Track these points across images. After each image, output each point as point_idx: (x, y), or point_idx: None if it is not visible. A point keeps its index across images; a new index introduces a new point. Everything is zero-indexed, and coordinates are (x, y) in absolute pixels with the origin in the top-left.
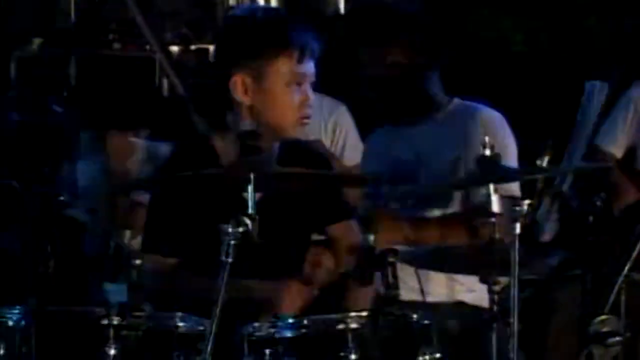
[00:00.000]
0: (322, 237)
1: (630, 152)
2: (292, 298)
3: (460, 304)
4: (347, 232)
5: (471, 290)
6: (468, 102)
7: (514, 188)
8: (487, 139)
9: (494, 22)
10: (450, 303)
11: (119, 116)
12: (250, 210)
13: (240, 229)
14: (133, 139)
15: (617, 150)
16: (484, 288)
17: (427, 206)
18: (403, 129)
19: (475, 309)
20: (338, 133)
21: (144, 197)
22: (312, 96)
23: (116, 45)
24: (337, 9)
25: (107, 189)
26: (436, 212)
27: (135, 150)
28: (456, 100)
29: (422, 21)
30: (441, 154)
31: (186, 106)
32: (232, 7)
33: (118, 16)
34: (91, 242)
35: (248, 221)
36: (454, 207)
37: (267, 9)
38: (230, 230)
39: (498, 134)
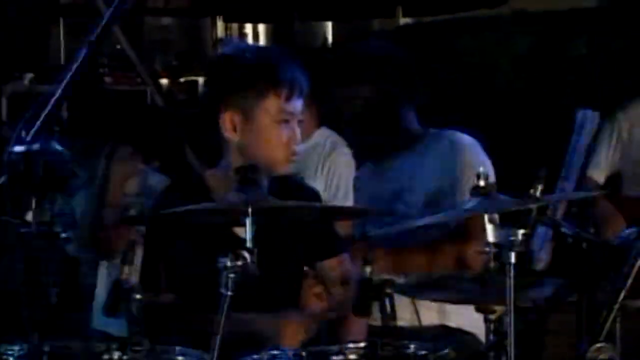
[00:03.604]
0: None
1: (614, 178)
2: (292, 331)
3: (446, 328)
4: (339, 266)
5: (464, 317)
6: (443, 131)
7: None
8: (481, 169)
9: (479, 48)
10: (438, 327)
11: (117, 140)
12: (248, 244)
13: (239, 262)
14: (139, 164)
15: (599, 175)
16: (477, 317)
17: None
18: (381, 165)
19: (468, 335)
20: (332, 174)
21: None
22: (299, 134)
23: (107, 79)
24: (325, 40)
25: (99, 220)
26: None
27: (138, 173)
28: (432, 131)
29: (394, 58)
30: (421, 186)
31: (178, 139)
32: (220, 39)
33: (108, 49)
34: (86, 277)
35: (247, 254)
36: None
37: (257, 47)
38: (229, 263)
39: (479, 160)
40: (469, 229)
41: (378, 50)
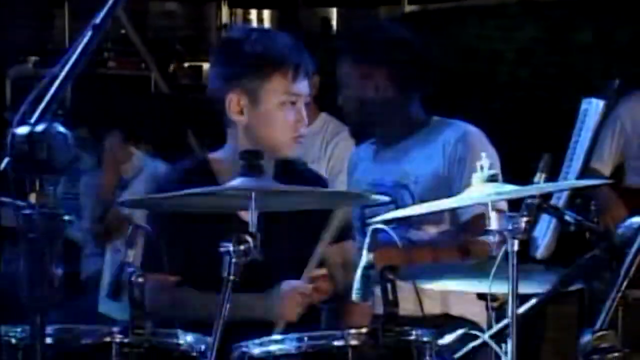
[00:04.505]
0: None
1: (618, 169)
2: (290, 304)
3: (448, 317)
4: (343, 253)
5: (466, 306)
6: (448, 120)
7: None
8: (483, 155)
9: (484, 36)
10: (440, 315)
11: (122, 125)
12: (251, 228)
13: (242, 247)
14: (131, 148)
15: (604, 167)
16: (479, 303)
17: (417, 225)
18: (384, 150)
19: (471, 324)
20: (334, 160)
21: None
22: (305, 116)
23: (111, 64)
24: (330, 27)
25: (101, 204)
26: (429, 230)
27: (131, 158)
28: (435, 118)
29: (410, 45)
30: (426, 175)
31: (182, 124)
32: (225, 25)
33: (113, 35)
34: (87, 261)
35: (249, 239)
36: (444, 225)
37: (263, 30)
38: (232, 248)
39: (485, 150)
40: (474, 223)
41: (392, 34)
